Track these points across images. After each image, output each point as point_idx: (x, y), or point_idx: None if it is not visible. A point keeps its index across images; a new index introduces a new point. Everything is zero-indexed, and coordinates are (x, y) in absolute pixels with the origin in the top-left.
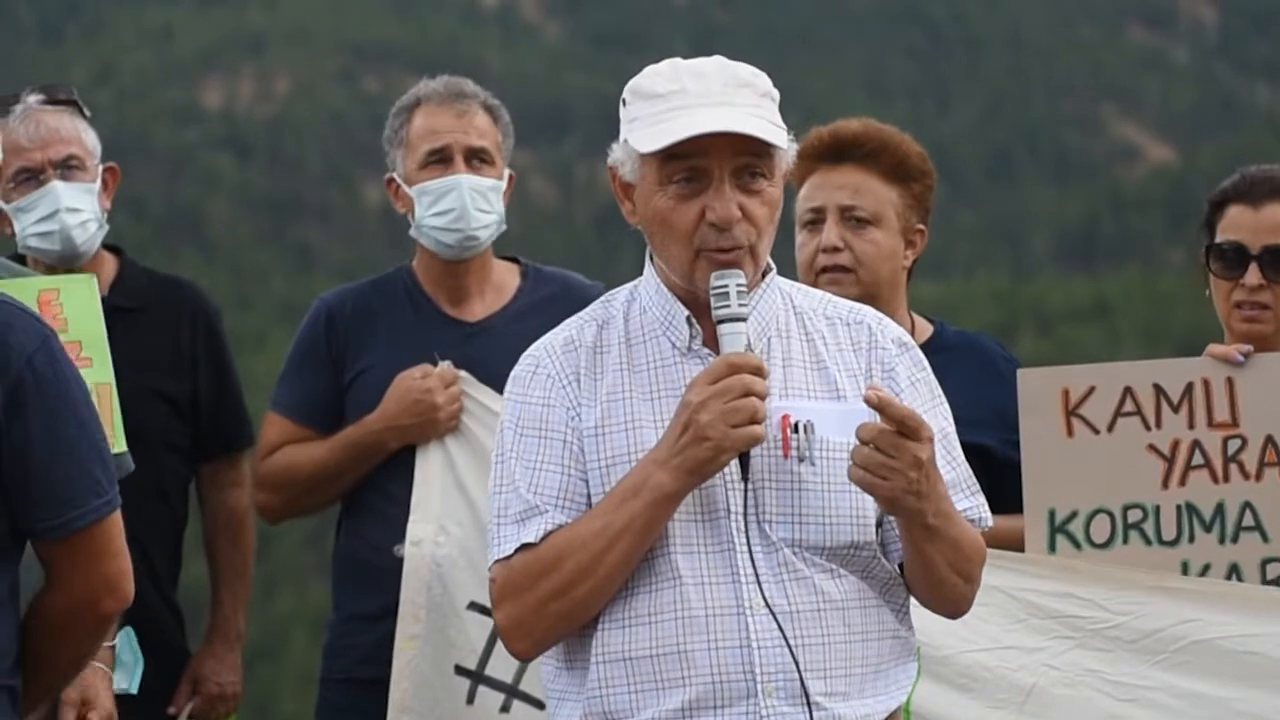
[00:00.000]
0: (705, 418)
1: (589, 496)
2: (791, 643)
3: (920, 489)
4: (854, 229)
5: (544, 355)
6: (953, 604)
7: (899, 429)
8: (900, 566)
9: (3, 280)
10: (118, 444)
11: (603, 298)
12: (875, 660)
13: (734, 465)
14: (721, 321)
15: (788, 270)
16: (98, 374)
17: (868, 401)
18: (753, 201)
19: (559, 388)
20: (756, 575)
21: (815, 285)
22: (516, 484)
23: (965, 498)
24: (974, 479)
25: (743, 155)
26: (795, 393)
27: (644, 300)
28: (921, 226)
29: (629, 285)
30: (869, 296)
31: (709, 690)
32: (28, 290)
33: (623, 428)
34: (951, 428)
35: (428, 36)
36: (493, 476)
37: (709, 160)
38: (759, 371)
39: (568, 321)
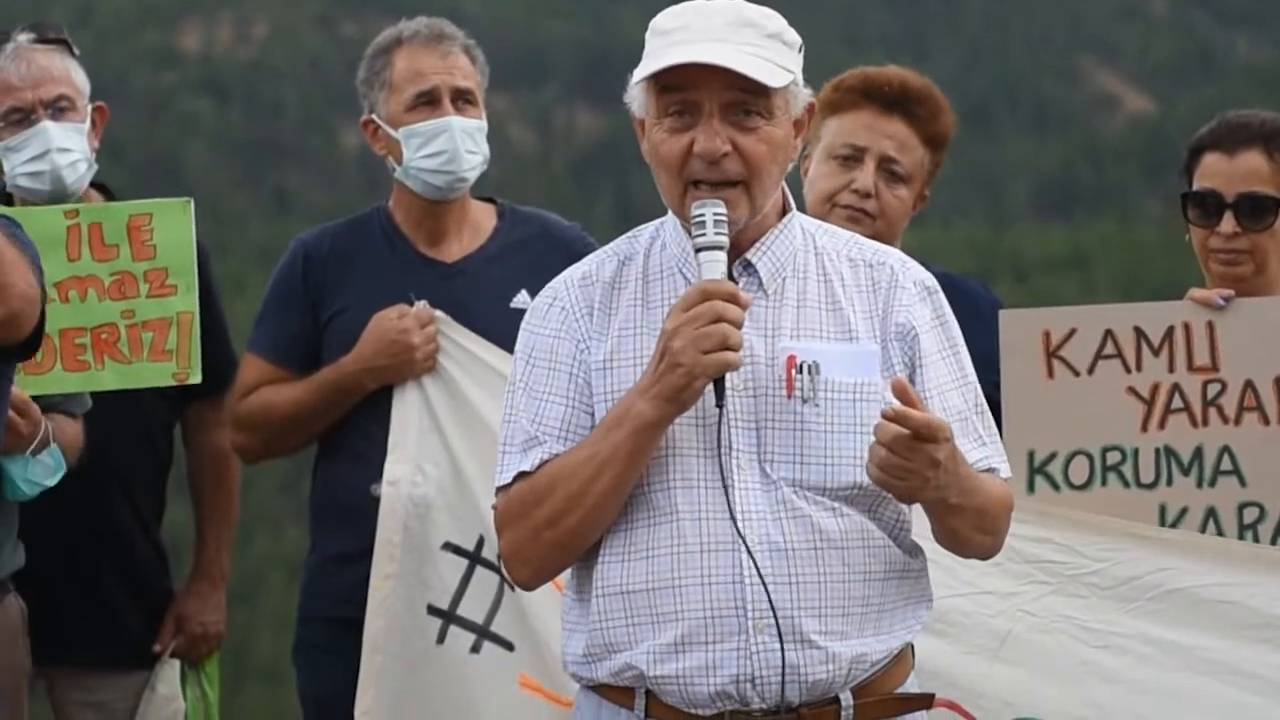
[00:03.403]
0: (678, 344)
1: (593, 429)
2: (789, 580)
3: (939, 483)
4: (886, 180)
5: (562, 288)
6: (981, 554)
7: (916, 435)
8: None
9: (93, 206)
10: (194, 374)
11: (629, 233)
12: (878, 600)
13: (738, 404)
14: (700, 250)
15: (797, 192)
16: (181, 302)
17: (885, 416)
18: (748, 138)
19: (572, 320)
20: (759, 512)
21: (827, 217)
22: (520, 414)
23: (976, 447)
24: (992, 427)
25: (732, 90)
26: (807, 333)
27: (666, 236)
28: (927, 192)
29: (657, 222)
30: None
31: (700, 625)
32: (118, 214)
33: (631, 362)
34: (972, 374)
35: None
36: (505, 405)
37: (699, 94)
38: (733, 298)
39: (592, 255)
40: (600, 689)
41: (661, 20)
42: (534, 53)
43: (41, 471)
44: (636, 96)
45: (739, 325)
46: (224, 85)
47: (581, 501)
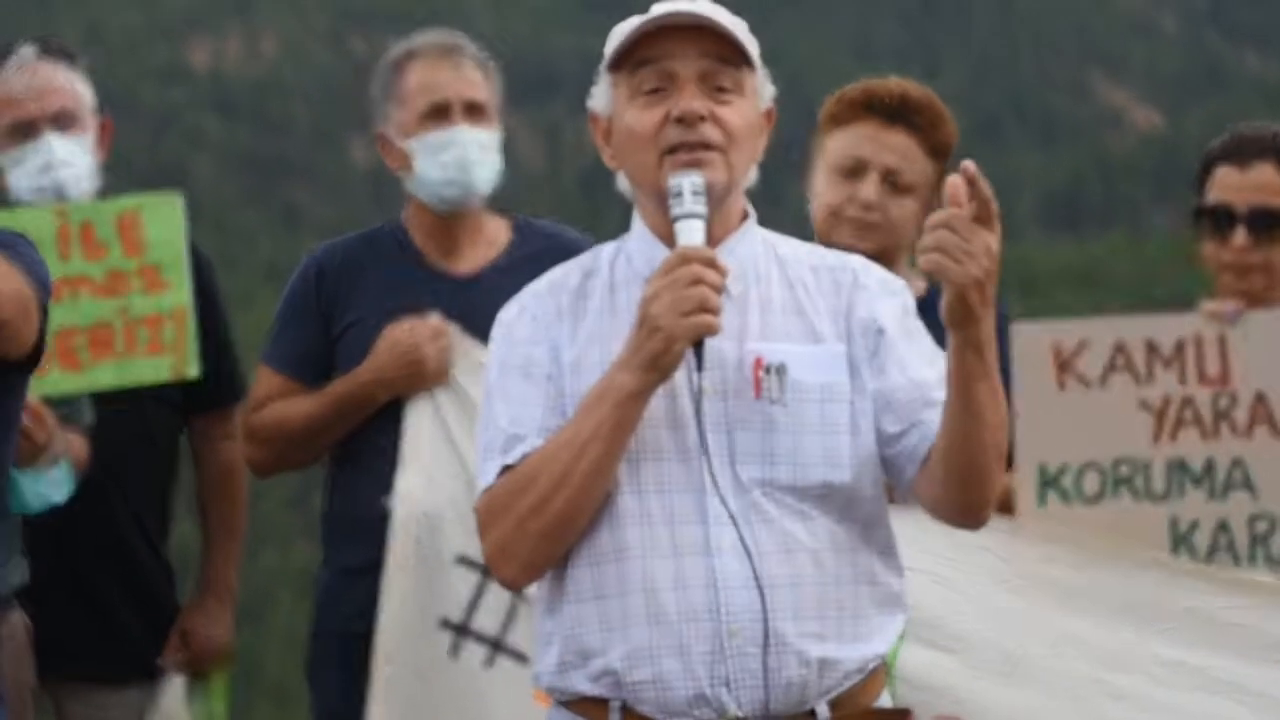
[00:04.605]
0: (656, 308)
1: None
2: (757, 584)
3: (986, 286)
4: (890, 191)
5: (529, 298)
6: (981, 490)
7: (979, 211)
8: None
9: (82, 204)
10: (190, 369)
11: (592, 249)
12: (851, 603)
13: (708, 406)
14: (677, 220)
15: (800, 208)
16: (175, 297)
17: (964, 171)
18: (724, 109)
19: (543, 327)
20: (731, 516)
21: (834, 230)
22: (498, 419)
23: None
24: None
25: (709, 59)
26: (772, 336)
27: (630, 249)
28: (935, 202)
29: (619, 239)
30: (883, 255)
31: (675, 629)
32: (107, 212)
33: (599, 367)
34: (941, 359)
35: None
36: (481, 416)
37: (674, 63)
38: (712, 263)
39: (555, 268)
40: (573, 705)
41: (621, 25)
42: (543, 67)
43: (51, 487)
44: (601, 96)
45: (719, 290)
46: (232, 101)
47: (567, 482)
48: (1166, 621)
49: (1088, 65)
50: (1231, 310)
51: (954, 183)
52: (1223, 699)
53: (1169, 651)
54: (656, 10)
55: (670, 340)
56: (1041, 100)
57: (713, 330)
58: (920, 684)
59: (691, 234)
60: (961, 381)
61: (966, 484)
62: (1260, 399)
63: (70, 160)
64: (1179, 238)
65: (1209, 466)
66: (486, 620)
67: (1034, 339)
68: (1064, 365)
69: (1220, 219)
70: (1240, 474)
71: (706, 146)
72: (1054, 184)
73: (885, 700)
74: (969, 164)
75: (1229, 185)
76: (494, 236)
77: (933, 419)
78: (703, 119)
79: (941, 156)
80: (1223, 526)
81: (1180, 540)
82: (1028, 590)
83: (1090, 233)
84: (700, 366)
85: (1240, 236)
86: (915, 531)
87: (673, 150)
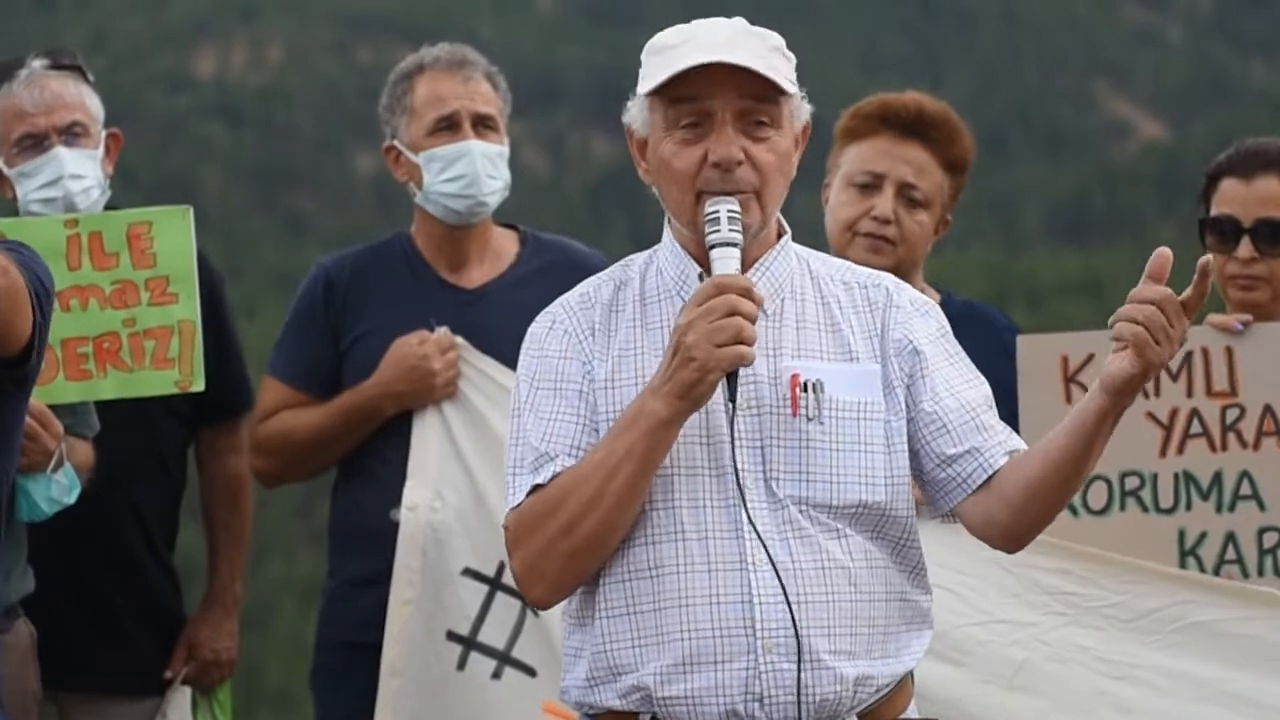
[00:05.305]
0: (691, 338)
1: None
2: (793, 599)
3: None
4: (906, 206)
5: (560, 311)
6: (1046, 524)
7: (1192, 302)
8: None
9: (93, 215)
10: (196, 382)
11: (623, 261)
12: (883, 622)
13: (743, 423)
14: (713, 247)
15: (816, 221)
16: (182, 310)
17: (1202, 267)
18: (759, 148)
19: (575, 342)
20: (759, 533)
21: (849, 245)
22: (529, 436)
23: (1007, 436)
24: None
25: (746, 98)
26: (808, 354)
27: (661, 262)
28: (949, 216)
29: (650, 250)
30: (898, 270)
31: (709, 644)
32: (118, 223)
33: (633, 382)
34: (981, 377)
35: (420, 7)
36: (509, 430)
37: (712, 102)
38: (748, 293)
39: (586, 280)
40: (603, 717)
41: (663, 37)
42: (548, 78)
43: (59, 490)
44: (638, 114)
45: (753, 320)
46: (238, 109)
47: (597, 504)
48: (1173, 633)
49: (1093, 76)
50: (1238, 323)
51: (1164, 254)
52: (1230, 711)
53: (1175, 663)
54: (694, 47)
55: (704, 370)
56: (1046, 112)
57: (747, 361)
58: (928, 695)
59: (727, 262)
60: (1088, 441)
61: (1040, 519)
62: (1268, 411)
63: (80, 173)
64: (1185, 250)
65: (1217, 479)
66: (494, 633)
67: (1041, 351)
68: (1071, 377)
69: (1225, 231)
70: (1248, 486)
71: (741, 193)
72: (1059, 196)
73: (912, 712)
74: (1208, 259)
75: (1234, 198)
76: (502, 249)
77: (989, 446)
78: (740, 163)
79: (957, 171)
80: (1231, 539)
81: (1188, 552)
82: (1035, 602)
83: (1096, 244)
84: (734, 395)
85: (1245, 249)
86: (924, 545)
87: (710, 193)
